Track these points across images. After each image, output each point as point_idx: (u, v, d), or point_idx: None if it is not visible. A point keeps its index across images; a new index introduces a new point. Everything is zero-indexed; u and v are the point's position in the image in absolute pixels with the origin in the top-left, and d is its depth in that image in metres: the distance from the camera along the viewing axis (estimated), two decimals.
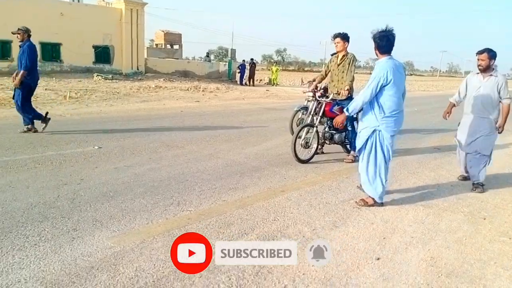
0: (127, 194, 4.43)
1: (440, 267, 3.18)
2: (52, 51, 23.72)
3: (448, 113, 5.61)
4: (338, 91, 6.42)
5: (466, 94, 5.37)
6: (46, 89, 15.82)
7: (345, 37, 6.35)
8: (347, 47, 6.44)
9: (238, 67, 28.86)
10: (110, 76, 23.39)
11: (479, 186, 5.21)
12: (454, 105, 5.59)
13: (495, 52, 4.97)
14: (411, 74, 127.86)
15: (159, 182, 4.88)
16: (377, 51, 4.14)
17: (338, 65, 6.47)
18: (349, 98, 6.44)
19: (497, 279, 3.04)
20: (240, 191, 4.77)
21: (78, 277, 2.74)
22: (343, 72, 6.43)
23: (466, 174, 5.59)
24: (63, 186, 4.57)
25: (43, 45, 23.06)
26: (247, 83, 27.60)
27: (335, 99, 6.47)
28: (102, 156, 5.99)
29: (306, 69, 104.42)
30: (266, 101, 17.37)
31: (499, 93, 4.96)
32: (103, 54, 25.83)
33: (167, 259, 3.04)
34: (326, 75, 6.86)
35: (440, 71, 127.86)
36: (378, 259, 3.24)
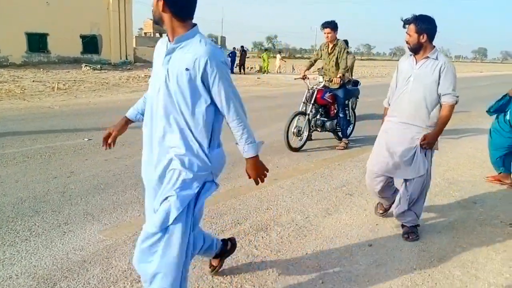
0: (118, 186, 4.39)
1: (432, 252, 3.20)
2: (39, 41, 23.33)
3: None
4: (330, 79, 6.39)
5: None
6: (33, 81, 15.59)
7: (335, 27, 6.23)
8: (336, 35, 6.36)
9: (229, 54, 28.58)
10: (99, 66, 23.10)
11: (413, 231, 3.43)
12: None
13: (430, 22, 3.17)
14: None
15: None
16: (175, 18, 1.98)
17: (329, 54, 6.41)
18: (342, 85, 6.44)
19: (489, 262, 3.07)
20: (232, 180, 4.75)
21: (71, 272, 2.71)
22: (334, 61, 6.37)
23: (387, 203, 3.72)
24: (53, 180, 4.51)
25: (30, 35, 22.72)
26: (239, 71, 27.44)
27: (327, 87, 6.47)
28: (92, 148, 5.92)
29: (297, 55, 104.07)
30: (258, 89, 17.28)
31: (439, 85, 3.18)
32: (91, 44, 25.48)
33: None
34: (315, 62, 6.80)
35: None
36: (370, 245, 3.26)
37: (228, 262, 2.90)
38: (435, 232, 3.55)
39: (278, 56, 34.40)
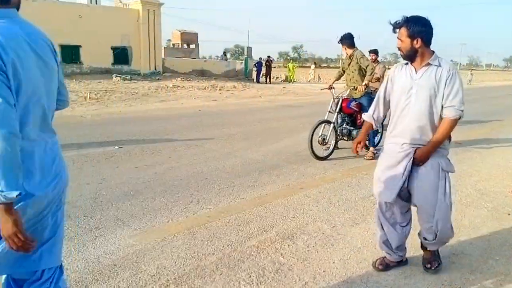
0: (148, 193, 4.49)
1: (463, 263, 3.12)
2: (71, 53, 24.12)
3: (359, 143, 3.07)
4: (354, 87, 6.44)
5: (389, 102, 2.95)
6: None
7: (347, 39, 6.42)
8: (353, 46, 6.51)
9: (255, 64, 28.86)
10: (129, 76, 23.68)
11: (435, 259, 3.02)
12: (371, 127, 3.11)
13: (424, 24, 2.67)
14: None
15: (179, 180, 4.92)
16: None
17: (349, 64, 6.60)
18: (367, 94, 6.42)
19: None
20: (258, 188, 4.78)
21: (101, 275, 2.79)
22: (353, 71, 6.53)
23: (394, 258, 3.02)
24: (85, 186, 4.65)
25: (63, 47, 23.48)
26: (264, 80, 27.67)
27: (351, 95, 6.56)
28: (123, 156, 6.08)
29: (323, 65, 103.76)
30: (283, 99, 17.32)
31: (443, 96, 2.67)
32: (121, 55, 26.13)
33: (188, 256, 3.07)
34: (343, 72, 6.89)
35: (460, 64, 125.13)
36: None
37: (255, 269, 2.92)
38: (466, 244, 3.46)
39: (313, 66, 36.60)
